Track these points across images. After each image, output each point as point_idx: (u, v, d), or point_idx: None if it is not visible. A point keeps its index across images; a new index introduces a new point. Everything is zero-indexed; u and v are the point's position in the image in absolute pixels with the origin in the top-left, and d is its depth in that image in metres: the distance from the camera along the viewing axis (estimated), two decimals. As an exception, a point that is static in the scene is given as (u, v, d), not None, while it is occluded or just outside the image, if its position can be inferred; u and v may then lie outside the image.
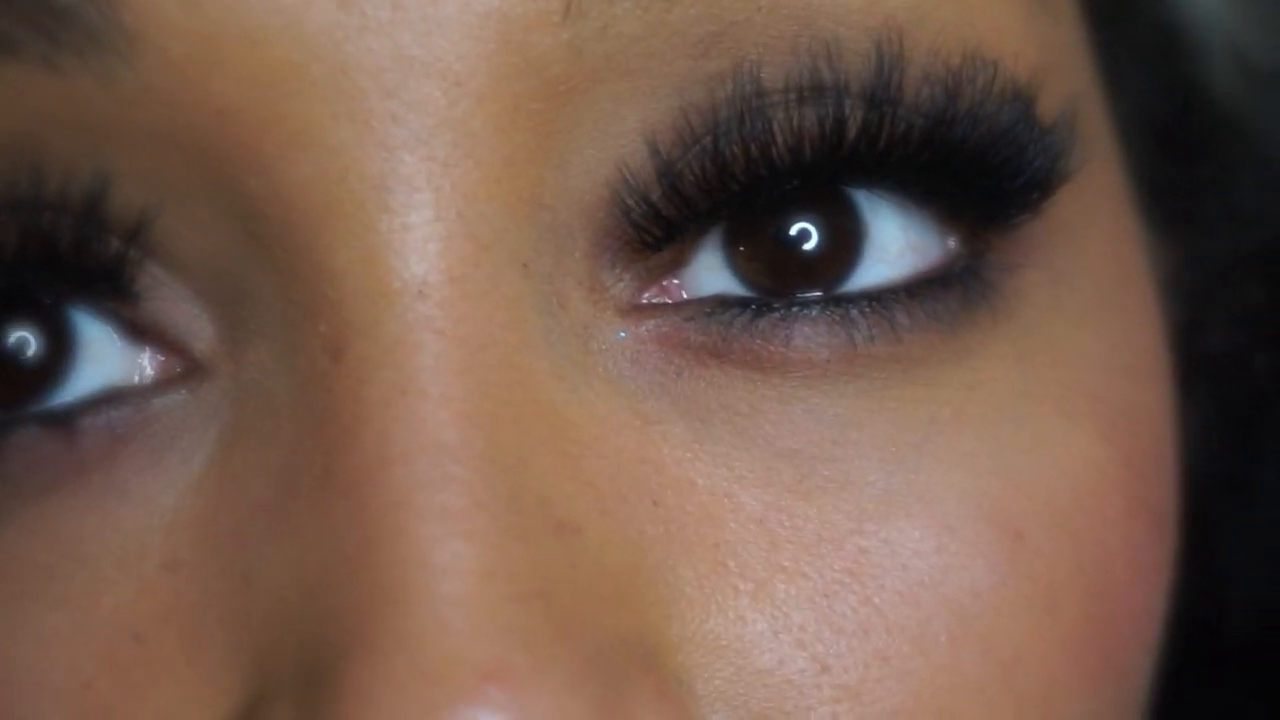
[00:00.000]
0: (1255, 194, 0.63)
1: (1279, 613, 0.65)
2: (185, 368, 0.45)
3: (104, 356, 0.45)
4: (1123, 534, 0.48)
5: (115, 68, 0.42)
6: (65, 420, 0.44)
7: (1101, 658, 0.47)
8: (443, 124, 0.42)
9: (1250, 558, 0.66)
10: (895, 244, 0.47)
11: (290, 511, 0.42)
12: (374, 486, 0.41)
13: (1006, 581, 0.46)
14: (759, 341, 0.45)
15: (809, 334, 0.45)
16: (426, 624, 0.40)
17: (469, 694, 0.39)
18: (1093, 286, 0.50)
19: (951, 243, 0.47)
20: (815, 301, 0.46)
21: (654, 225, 0.45)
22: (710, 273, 0.46)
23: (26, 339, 0.45)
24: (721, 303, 0.46)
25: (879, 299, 0.46)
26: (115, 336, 0.45)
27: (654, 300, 0.46)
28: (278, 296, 0.43)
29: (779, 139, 0.44)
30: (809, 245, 0.46)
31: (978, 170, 0.46)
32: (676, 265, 0.46)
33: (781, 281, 0.46)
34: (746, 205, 0.45)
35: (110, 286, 0.44)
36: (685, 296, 0.46)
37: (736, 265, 0.46)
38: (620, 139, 0.44)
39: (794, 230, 0.46)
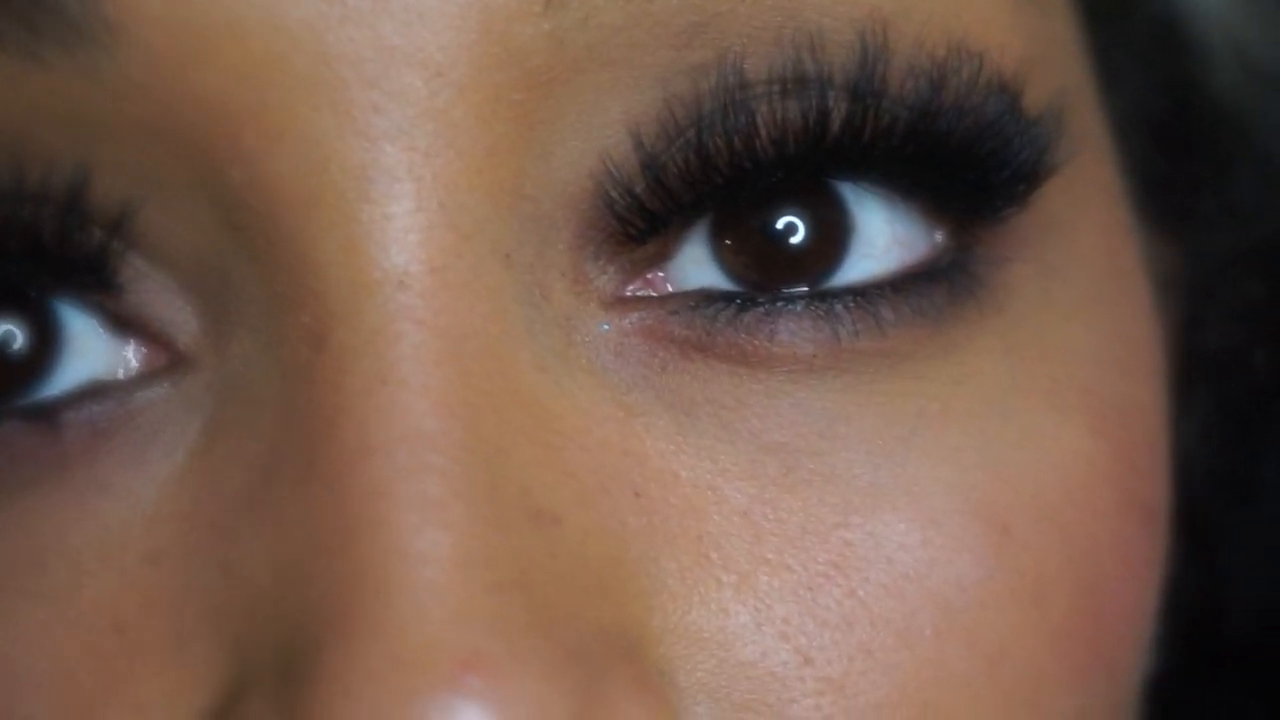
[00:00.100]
0: (1255, 191, 0.62)
1: (1279, 612, 0.65)
2: (169, 360, 0.45)
3: (90, 350, 0.45)
4: (1113, 528, 0.48)
5: (97, 59, 0.42)
6: (48, 414, 0.45)
7: (1091, 652, 0.47)
8: (424, 114, 0.42)
9: (1251, 557, 0.65)
10: (882, 238, 0.47)
11: (271, 502, 0.43)
12: (353, 476, 0.41)
13: (993, 575, 0.46)
14: (743, 336, 0.45)
15: (793, 329, 0.45)
16: (404, 612, 0.40)
17: (446, 682, 0.39)
18: (1084, 280, 0.50)
19: (938, 237, 0.47)
20: (800, 296, 0.46)
21: (638, 217, 0.45)
22: (696, 266, 0.46)
23: (13, 332, 0.45)
24: (706, 297, 0.45)
25: (863, 294, 0.46)
26: (100, 329, 0.45)
27: (638, 293, 0.46)
28: (260, 287, 0.43)
29: (762, 132, 0.44)
30: (795, 239, 0.46)
31: (963, 163, 0.46)
32: (661, 258, 0.46)
33: (768, 275, 0.46)
34: (731, 198, 0.45)
35: (93, 278, 0.44)
36: (670, 289, 0.46)
37: (722, 259, 0.46)
38: (604, 130, 0.44)
39: (780, 224, 0.46)
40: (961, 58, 0.45)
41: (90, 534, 0.44)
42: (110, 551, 0.44)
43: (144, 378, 0.45)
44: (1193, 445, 0.63)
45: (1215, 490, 0.64)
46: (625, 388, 0.45)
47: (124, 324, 0.45)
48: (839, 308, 0.46)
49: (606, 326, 0.45)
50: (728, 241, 0.46)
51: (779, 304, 0.45)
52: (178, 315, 0.44)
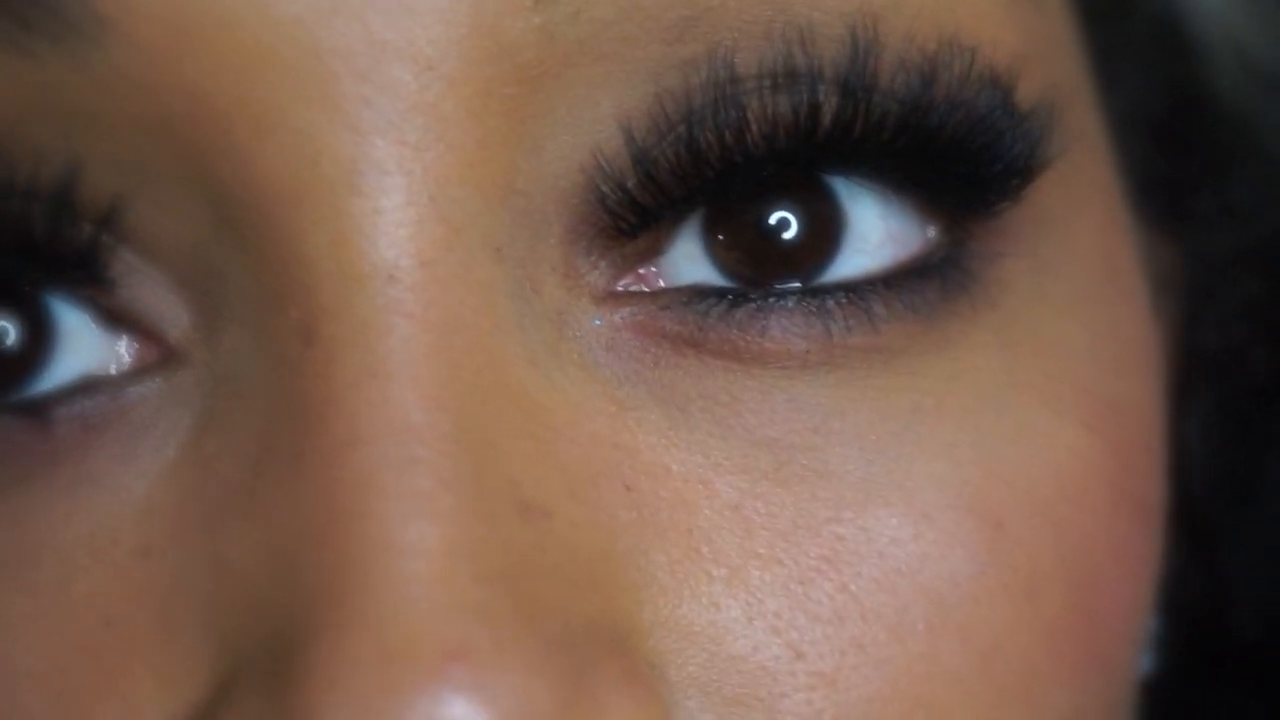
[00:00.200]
0: (1255, 191, 0.62)
1: (1280, 613, 0.65)
2: (161, 355, 0.45)
3: (83, 345, 0.45)
4: (1107, 525, 0.48)
5: (87, 53, 0.42)
6: (40, 410, 0.45)
7: (1084, 649, 0.47)
8: (414, 108, 0.42)
9: (1252, 557, 0.65)
10: (875, 233, 0.47)
11: (260, 495, 0.43)
12: (340, 468, 0.41)
13: (986, 570, 0.45)
14: (735, 332, 0.45)
15: (785, 325, 0.45)
16: (389, 603, 0.40)
17: (431, 673, 0.39)
18: (1079, 277, 0.50)
19: (931, 232, 0.47)
20: (792, 293, 0.46)
21: (629, 212, 0.45)
22: (689, 261, 0.46)
23: (5, 328, 0.45)
24: (698, 292, 0.45)
25: (855, 290, 0.46)
26: (93, 325, 0.45)
27: (630, 288, 0.46)
28: (250, 281, 0.43)
29: (753, 126, 0.44)
30: (788, 234, 0.46)
31: (956, 157, 0.46)
32: (653, 253, 0.46)
33: (760, 271, 0.46)
34: (722, 192, 0.45)
35: (84, 273, 0.44)
36: (662, 285, 0.46)
37: (715, 254, 0.46)
38: (595, 125, 0.44)
39: (773, 219, 0.46)
40: (953, 52, 0.45)
41: (81, 529, 0.44)
42: (101, 546, 0.44)
43: (135, 373, 0.45)
44: (1194, 445, 0.63)
45: (1216, 490, 0.64)
46: (617, 382, 0.45)
47: (116, 319, 0.45)
48: (831, 303, 0.46)
49: (598, 321, 0.45)
50: (720, 237, 0.46)
51: (771, 300, 0.45)
52: (169, 310, 0.44)
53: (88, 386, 0.45)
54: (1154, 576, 0.51)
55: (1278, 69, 0.64)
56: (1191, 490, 0.63)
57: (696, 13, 0.44)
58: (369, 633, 0.40)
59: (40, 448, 0.45)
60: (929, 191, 0.47)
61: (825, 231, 0.46)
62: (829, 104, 0.45)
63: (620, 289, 0.45)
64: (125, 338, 0.45)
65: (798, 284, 0.46)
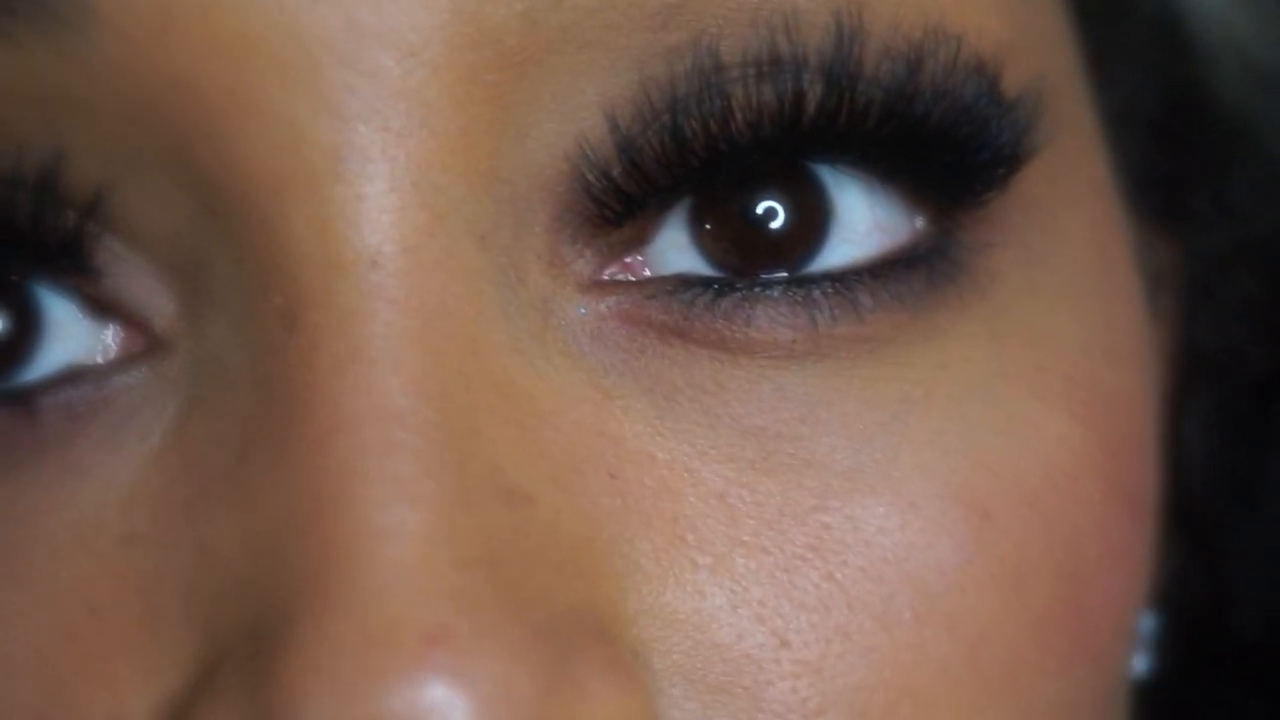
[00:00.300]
0: (1254, 189, 0.62)
1: (1281, 613, 0.65)
2: (146, 344, 0.45)
3: (70, 335, 0.45)
4: (1096, 516, 0.48)
5: (69, 39, 0.42)
6: (25, 400, 0.45)
7: (1072, 639, 0.47)
8: (397, 94, 0.42)
9: (1253, 558, 0.65)
10: (862, 223, 0.47)
11: (243, 481, 0.43)
12: (322, 453, 0.41)
13: (972, 560, 0.45)
14: (721, 321, 0.45)
15: (771, 315, 0.45)
16: (369, 588, 0.40)
17: (410, 657, 0.39)
18: (1070, 270, 0.50)
19: (919, 222, 0.47)
20: (778, 282, 0.46)
21: (614, 200, 0.45)
22: (676, 251, 0.46)
23: None
24: (683, 282, 0.45)
25: (841, 280, 0.46)
26: (80, 315, 0.45)
27: (616, 277, 0.46)
28: (235, 269, 0.43)
29: (738, 115, 0.44)
30: (775, 224, 0.46)
31: (942, 145, 0.46)
32: (639, 242, 0.46)
33: (747, 260, 0.46)
34: (708, 181, 0.45)
35: (69, 262, 0.44)
36: (648, 274, 0.46)
37: (702, 243, 0.46)
38: (579, 112, 0.44)
39: (760, 209, 0.46)
40: (938, 40, 0.45)
41: (65, 517, 0.44)
42: (85, 534, 0.44)
43: (121, 362, 0.45)
44: (1194, 445, 0.63)
45: (1217, 491, 0.64)
46: (602, 371, 0.45)
47: (102, 308, 0.45)
48: (817, 293, 0.45)
49: (583, 310, 0.45)
50: (707, 226, 0.46)
51: (757, 290, 0.45)
52: (155, 298, 0.45)
53: (74, 376, 0.45)
54: (1146, 570, 0.51)
55: (1276, 68, 0.64)
56: (1192, 491, 0.63)
57: (681, 0, 0.44)
58: (349, 617, 0.40)
59: (25, 437, 0.45)
60: (915, 180, 0.46)
61: (812, 221, 0.46)
62: (813, 92, 0.44)
63: (606, 278, 0.45)
64: (112, 327, 0.45)
65: (784, 274, 0.46)
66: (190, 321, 0.44)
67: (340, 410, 0.41)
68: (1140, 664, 0.59)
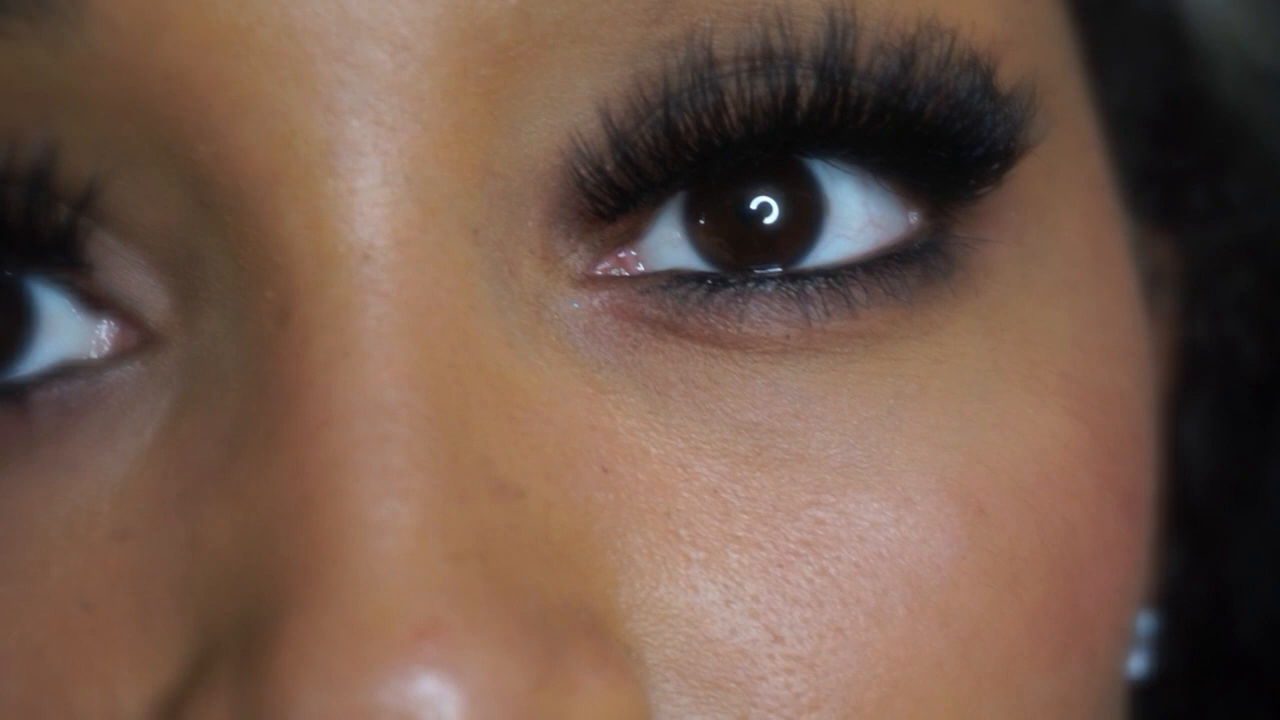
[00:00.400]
0: (1252, 186, 0.62)
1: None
2: (140, 339, 0.45)
3: (63, 329, 0.45)
4: (1090, 512, 0.47)
5: (64, 33, 0.42)
6: (18, 395, 0.45)
7: (1066, 635, 0.47)
8: (389, 88, 0.42)
9: (1256, 561, 0.65)
10: (857, 219, 0.47)
11: (235, 475, 0.43)
12: (314, 446, 0.41)
13: (966, 555, 0.45)
14: (714, 317, 0.45)
15: (764, 310, 0.45)
16: (360, 580, 0.40)
17: (401, 649, 0.39)
18: (1066, 266, 0.50)
19: (914, 217, 0.47)
20: (771, 278, 0.45)
21: (608, 195, 0.44)
22: (670, 247, 0.46)
23: None
24: (676, 277, 0.45)
25: (835, 275, 0.46)
26: (74, 309, 0.45)
27: (609, 272, 0.46)
28: (228, 263, 0.43)
29: (731, 110, 0.44)
30: (769, 219, 0.46)
31: (935, 141, 0.46)
32: (633, 237, 0.46)
33: (741, 256, 0.46)
34: (701, 176, 0.45)
35: (62, 256, 0.44)
36: (642, 269, 0.46)
37: (696, 239, 0.46)
38: (572, 107, 0.44)
39: (754, 204, 0.46)
40: (932, 35, 0.45)
41: (58, 512, 0.44)
42: (78, 529, 0.44)
43: (115, 357, 0.45)
44: (1195, 447, 0.63)
45: (1218, 493, 0.64)
46: (596, 365, 0.45)
47: (96, 303, 0.45)
48: (810, 289, 0.45)
49: (576, 304, 0.45)
50: (701, 221, 0.46)
51: (750, 285, 0.45)
52: (148, 293, 0.45)
53: (67, 371, 0.45)
54: (1142, 566, 0.50)
55: (1274, 66, 0.64)
56: (1193, 492, 0.63)
57: None
58: (339, 610, 0.40)
59: (18, 432, 0.45)
60: (910, 176, 0.46)
61: (806, 216, 0.46)
62: (806, 87, 0.44)
63: (599, 272, 0.45)
64: (105, 322, 0.45)
65: (778, 269, 0.46)
66: (183, 316, 0.44)
67: (331, 404, 0.41)
68: (1142, 664, 0.58)
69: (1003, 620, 0.45)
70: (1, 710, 0.44)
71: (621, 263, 0.46)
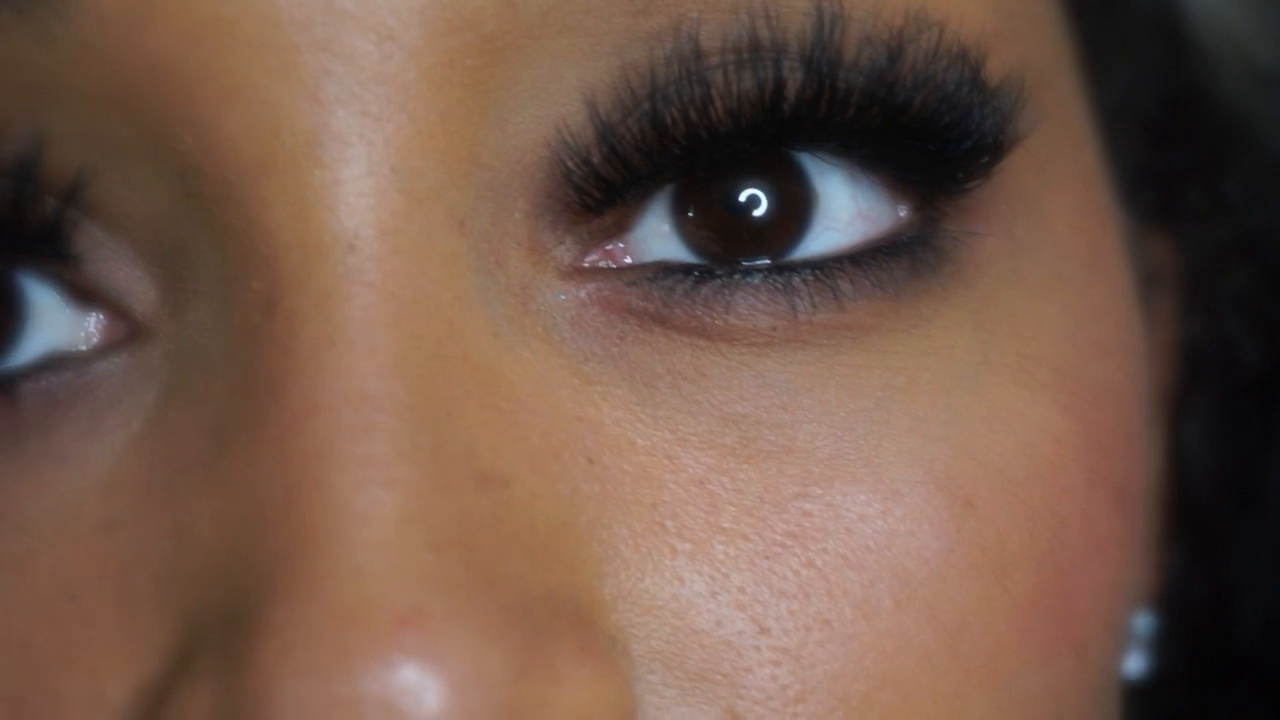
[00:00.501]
0: (1250, 185, 0.62)
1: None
2: (128, 331, 0.45)
3: (52, 321, 0.45)
4: (1080, 506, 0.47)
5: (51, 25, 0.42)
6: (6, 386, 0.45)
7: (1056, 629, 0.46)
8: (375, 78, 0.42)
9: (1257, 562, 0.64)
10: (845, 212, 0.47)
11: (221, 465, 0.43)
12: (298, 436, 0.41)
13: (954, 548, 0.45)
14: (701, 309, 0.45)
15: (751, 302, 0.45)
16: (343, 569, 0.40)
17: (383, 638, 0.39)
18: (1057, 260, 0.49)
19: (902, 210, 0.47)
20: (758, 270, 0.45)
21: (595, 188, 0.44)
22: (659, 239, 0.46)
23: None
24: (663, 268, 0.45)
25: (822, 267, 0.46)
26: (62, 301, 0.45)
27: (597, 264, 0.46)
28: (214, 254, 0.43)
29: (718, 103, 0.44)
30: (758, 212, 0.46)
31: (924, 134, 0.46)
32: (620, 229, 0.46)
33: (729, 248, 0.46)
34: (689, 169, 0.45)
35: (49, 248, 0.44)
36: (629, 261, 0.46)
37: (685, 232, 0.46)
38: (559, 98, 0.44)
39: (743, 197, 0.46)
40: (920, 27, 0.45)
41: (45, 503, 0.44)
42: (64, 520, 0.44)
43: (103, 349, 0.45)
44: (1195, 447, 0.62)
45: (1219, 494, 0.64)
46: (582, 357, 0.45)
47: (84, 295, 0.45)
48: (797, 281, 0.45)
49: (563, 296, 0.45)
50: (690, 214, 0.46)
51: (737, 277, 0.45)
52: (136, 285, 0.45)
53: (55, 363, 0.45)
54: (1134, 562, 0.50)
55: (1273, 65, 0.64)
56: (1193, 492, 0.63)
57: None
58: (322, 599, 0.40)
59: (6, 424, 0.45)
60: (898, 169, 0.46)
61: (795, 209, 0.46)
62: (794, 79, 0.44)
63: (586, 264, 0.45)
64: (93, 314, 0.45)
65: (766, 261, 0.46)
66: (171, 308, 0.44)
67: (316, 394, 0.41)
68: (1142, 665, 0.58)
69: (991, 613, 0.45)
70: None
71: (609, 254, 0.46)
